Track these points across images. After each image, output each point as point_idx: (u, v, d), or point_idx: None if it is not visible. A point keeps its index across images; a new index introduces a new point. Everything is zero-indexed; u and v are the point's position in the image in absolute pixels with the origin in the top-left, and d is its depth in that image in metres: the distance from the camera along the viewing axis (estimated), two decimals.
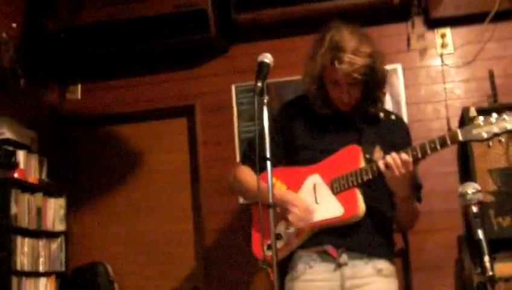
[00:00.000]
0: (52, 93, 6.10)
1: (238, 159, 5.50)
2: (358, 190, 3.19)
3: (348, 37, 3.22)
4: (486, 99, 5.23)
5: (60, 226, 5.50)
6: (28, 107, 5.59)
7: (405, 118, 5.38)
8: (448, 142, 3.03)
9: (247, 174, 3.48)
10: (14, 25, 5.46)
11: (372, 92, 3.37)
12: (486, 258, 2.68)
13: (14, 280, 4.75)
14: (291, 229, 3.28)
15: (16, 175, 4.96)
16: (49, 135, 5.85)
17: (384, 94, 3.45)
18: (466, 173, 4.91)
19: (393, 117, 3.55)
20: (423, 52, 5.56)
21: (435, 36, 5.55)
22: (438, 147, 3.05)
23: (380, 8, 5.32)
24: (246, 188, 3.48)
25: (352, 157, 3.26)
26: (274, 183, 3.33)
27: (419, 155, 3.08)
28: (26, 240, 4.99)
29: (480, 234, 2.71)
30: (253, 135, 3.68)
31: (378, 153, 3.28)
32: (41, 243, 5.21)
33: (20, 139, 5.14)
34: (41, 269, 5.17)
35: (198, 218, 5.76)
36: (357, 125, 3.40)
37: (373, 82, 3.31)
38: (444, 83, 5.46)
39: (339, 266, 3.20)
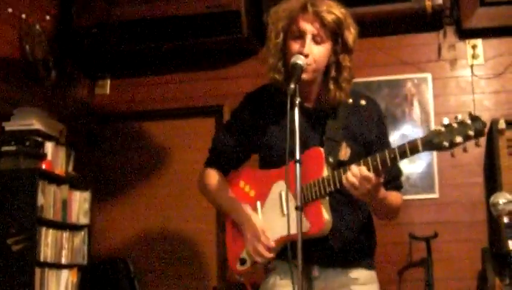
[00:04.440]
0: (82, 87, 6.14)
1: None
2: (323, 201, 2.92)
3: None
4: None
5: (84, 220, 5.51)
6: (57, 99, 5.62)
7: (433, 128, 5.36)
8: (408, 152, 2.70)
9: (213, 179, 3.29)
10: (47, 17, 5.50)
11: (337, 64, 3.02)
12: None
13: (38, 271, 4.76)
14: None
15: (43, 166, 4.98)
16: (77, 128, 5.88)
17: (351, 75, 3.05)
18: (493, 184, 4.88)
19: (363, 102, 3.18)
20: (453, 62, 5.55)
21: (466, 47, 5.55)
22: (398, 157, 2.72)
23: (412, 16, 5.30)
24: (212, 197, 3.30)
25: (314, 163, 2.96)
26: (243, 187, 3.21)
27: (380, 166, 2.76)
28: (51, 231, 4.99)
29: (511, 244, 2.69)
30: (217, 134, 3.47)
31: (344, 151, 3.00)
32: (65, 235, 5.22)
33: (48, 130, 5.15)
34: (63, 261, 5.17)
35: (221, 218, 5.75)
36: (322, 120, 3.08)
37: (341, 45, 2.98)
38: (473, 94, 5.44)
39: (311, 280, 3.01)
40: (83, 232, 5.49)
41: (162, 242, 5.95)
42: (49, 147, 5.13)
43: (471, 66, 5.49)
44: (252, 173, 3.25)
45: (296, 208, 2.67)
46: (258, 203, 3.13)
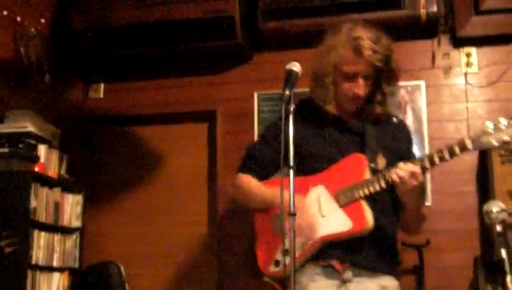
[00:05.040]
0: (76, 90, 6.13)
1: None
2: (364, 202, 3.11)
3: (366, 29, 3.21)
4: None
5: (76, 223, 5.50)
6: (51, 102, 5.61)
7: (426, 135, 5.39)
8: (457, 150, 2.95)
9: (249, 182, 3.40)
10: (42, 20, 5.50)
11: (381, 90, 3.32)
12: (509, 278, 2.66)
13: (29, 274, 4.74)
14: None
15: (36, 169, 4.98)
16: (71, 131, 5.86)
17: (393, 95, 3.42)
18: (486, 193, 4.89)
19: (394, 120, 3.50)
20: (447, 70, 5.56)
21: (460, 55, 5.55)
22: (447, 156, 2.97)
23: (407, 24, 5.32)
24: (247, 198, 3.42)
25: (357, 168, 3.19)
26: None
27: (428, 165, 3.01)
28: (43, 234, 4.98)
29: (503, 253, 2.69)
30: (252, 143, 3.60)
31: (381, 161, 3.22)
32: (57, 238, 5.21)
33: (42, 133, 5.15)
34: (55, 264, 5.15)
35: (214, 223, 5.76)
36: (361, 131, 3.34)
37: (386, 77, 3.27)
38: (467, 102, 5.45)
39: (344, 282, 3.13)
40: (75, 236, 5.49)
41: (154, 246, 5.93)
42: (42, 149, 5.12)
43: (465, 74, 5.50)
44: (286, 180, 3.29)
45: (289, 214, 2.71)
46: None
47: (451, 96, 5.50)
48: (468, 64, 5.50)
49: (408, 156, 3.26)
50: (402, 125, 3.53)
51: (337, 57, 3.22)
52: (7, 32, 5.13)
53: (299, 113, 3.31)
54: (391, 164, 3.14)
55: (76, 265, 5.46)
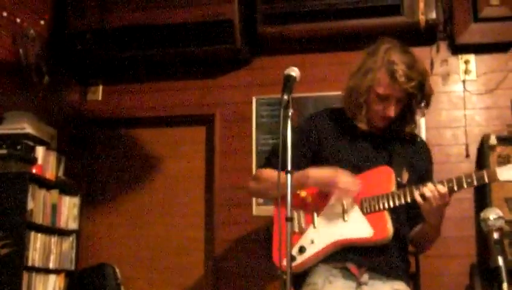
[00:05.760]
0: (74, 92, 6.13)
1: (254, 170, 5.51)
2: (387, 213, 3.23)
3: (403, 54, 3.32)
4: (506, 128, 5.20)
5: (73, 225, 5.51)
6: (49, 104, 5.61)
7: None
8: (486, 179, 3.08)
9: (268, 173, 3.50)
10: (42, 22, 5.50)
11: (411, 112, 3.43)
12: (505, 286, 2.66)
13: (25, 275, 4.74)
14: (339, 205, 3.30)
15: (34, 170, 4.98)
16: (68, 133, 5.86)
17: (423, 115, 3.62)
18: (482, 200, 4.90)
19: (418, 140, 3.62)
20: (446, 77, 5.56)
21: (459, 62, 5.55)
22: (475, 182, 3.10)
23: (406, 30, 5.30)
24: (266, 185, 3.49)
25: (384, 179, 3.31)
26: (299, 193, 3.35)
27: (455, 188, 3.13)
28: (39, 236, 4.99)
29: (500, 261, 2.69)
30: (277, 142, 3.68)
31: (405, 176, 3.34)
32: (54, 240, 5.21)
33: (40, 135, 5.15)
34: (51, 266, 5.15)
35: (210, 227, 5.75)
36: (388, 145, 3.46)
37: (417, 101, 3.38)
38: (465, 109, 5.45)
39: (359, 285, 3.21)
40: (71, 238, 5.50)
41: (150, 249, 5.93)
42: (40, 151, 5.12)
43: (463, 82, 5.50)
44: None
45: (286, 219, 2.75)
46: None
47: (449, 103, 5.50)
48: (466, 72, 5.51)
49: (428, 176, 3.41)
50: (425, 146, 3.67)
51: (372, 80, 3.33)
52: (6, 34, 5.13)
53: (326, 119, 3.57)
54: (413, 180, 3.31)
55: (73, 267, 5.47)
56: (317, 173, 3.31)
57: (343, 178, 3.24)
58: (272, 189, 3.41)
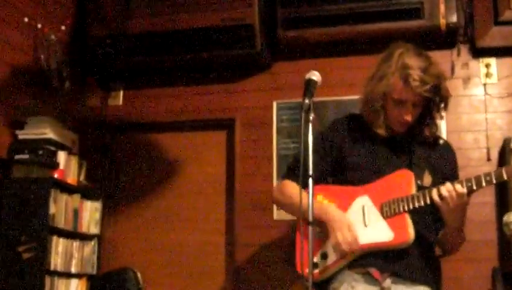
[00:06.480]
0: (95, 97, 6.15)
1: (275, 175, 5.53)
2: (408, 216, 3.20)
3: (417, 57, 3.30)
4: None
5: (95, 229, 5.54)
6: (70, 109, 5.65)
7: None
8: (505, 176, 3.04)
9: (291, 189, 3.49)
10: (63, 27, 5.54)
11: (431, 114, 3.42)
12: None
13: (47, 280, 4.77)
14: (335, 250, 3.28)
15: (55, 175, 5.01)
16: (90, 138, 5.90)
17: (442, 118, 3.51)
18: (504, 204, 4.87)
19: (441, 142, 3.62)
20: (466, 80, 5.53)
21: (480, 65, 5.52)
22: (494, 180, 3.05)
23: (426, 33, 5.30)
24: (290, 202, 3.47)
25: (404, 182, 3.29)
26: (321, 201, 3.35)
27: (474, 187, 3.09)
28: (61, 240, 5.02)
29: None
30: (297, 150, 3.69)
31: (427, 179, 3.32)
32: (75, 244, 5.24)
33: (61, 140, 5.18)
34: (73, 270, 5.19)
35: (231, 232, 5.75)
36: (409, 148, 3.45)
37: (435, 104, 3.37)
38: (486, 112, 5.42)
39: (383, 289, 3.21)
40: (93, 242, 5.53)
41: (172, 254, 5.94)
42: (61, 156, 5.15)
43: (484, 85, 5.47)
44: (330, 189, 3.50)
45: (308, 223, 2.76)
46: None
47: (470, 107, 5.47)
48: (487, 75, 5.48)
49: (453, 177, 3.36)
50: (448, 147, 3.66)
51: (387, 86, 3.33)
52: (28, 39, 5.19)
53: (347, 126, 3.57)
54: (437, 183, 3.25)
55: (94, 271, 5.49)
56: (331, 215, 3.31)
57: (345, 233, 3.23)
58: (294, 211, 3.48)
